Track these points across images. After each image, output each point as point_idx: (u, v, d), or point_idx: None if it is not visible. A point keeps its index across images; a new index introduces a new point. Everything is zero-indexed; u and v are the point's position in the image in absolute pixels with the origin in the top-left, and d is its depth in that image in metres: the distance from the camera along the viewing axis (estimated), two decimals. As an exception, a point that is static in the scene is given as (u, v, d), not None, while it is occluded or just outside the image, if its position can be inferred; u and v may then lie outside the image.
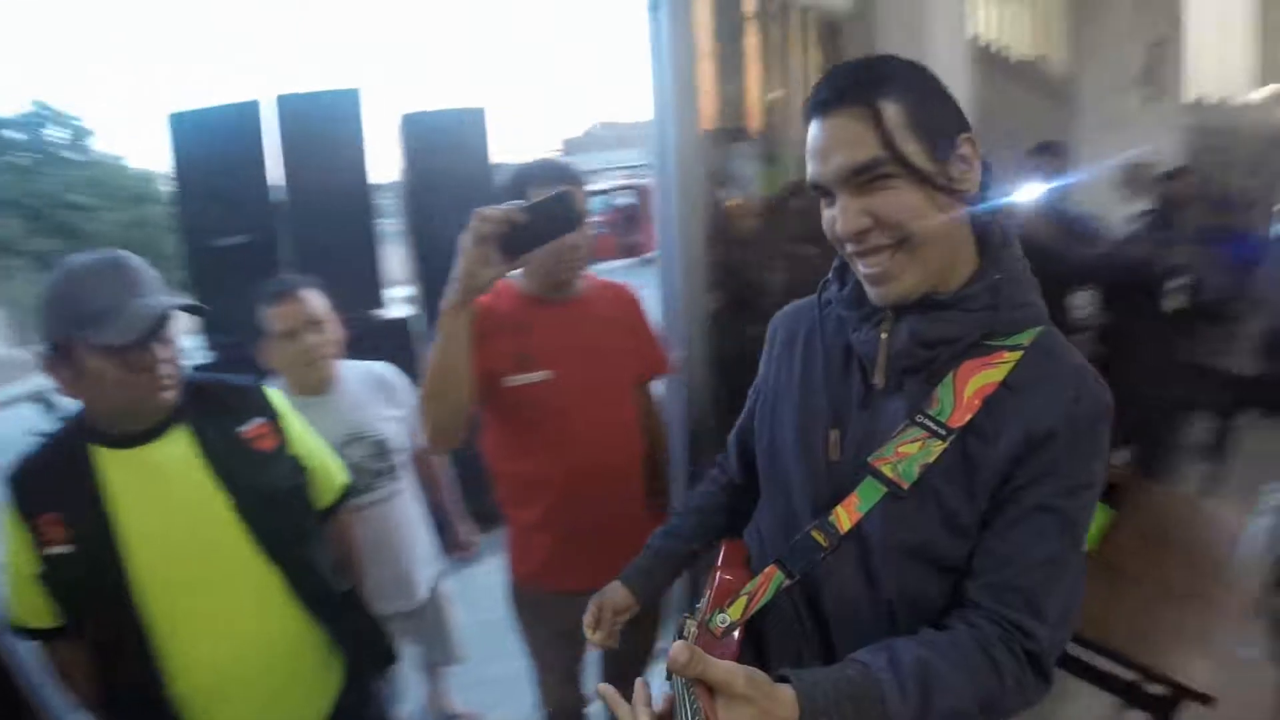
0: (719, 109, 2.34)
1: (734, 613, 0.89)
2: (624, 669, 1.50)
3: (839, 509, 0.85)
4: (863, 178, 0.79)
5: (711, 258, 2.05)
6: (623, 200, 14.23)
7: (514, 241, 1.21)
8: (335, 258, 3.06)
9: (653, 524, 1.60)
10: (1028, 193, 2.87)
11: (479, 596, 2.37)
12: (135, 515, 1.15)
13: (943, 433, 0.81)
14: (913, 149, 0.78)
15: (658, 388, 1.81)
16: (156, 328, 1.11)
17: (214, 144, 3.01)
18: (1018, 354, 0.82)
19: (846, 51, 2.60)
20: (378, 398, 1.86)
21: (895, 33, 2.57)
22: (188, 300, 1.18)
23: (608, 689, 0.82)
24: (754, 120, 2.65)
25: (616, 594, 1.22)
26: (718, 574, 1.01)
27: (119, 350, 1.09)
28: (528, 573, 1.65)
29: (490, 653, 2.27)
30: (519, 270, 1.51)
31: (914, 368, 0.86)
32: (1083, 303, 2.85)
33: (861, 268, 0.84)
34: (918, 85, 0.81)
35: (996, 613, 0.79)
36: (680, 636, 0.99)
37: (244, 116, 3.07)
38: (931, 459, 0.81)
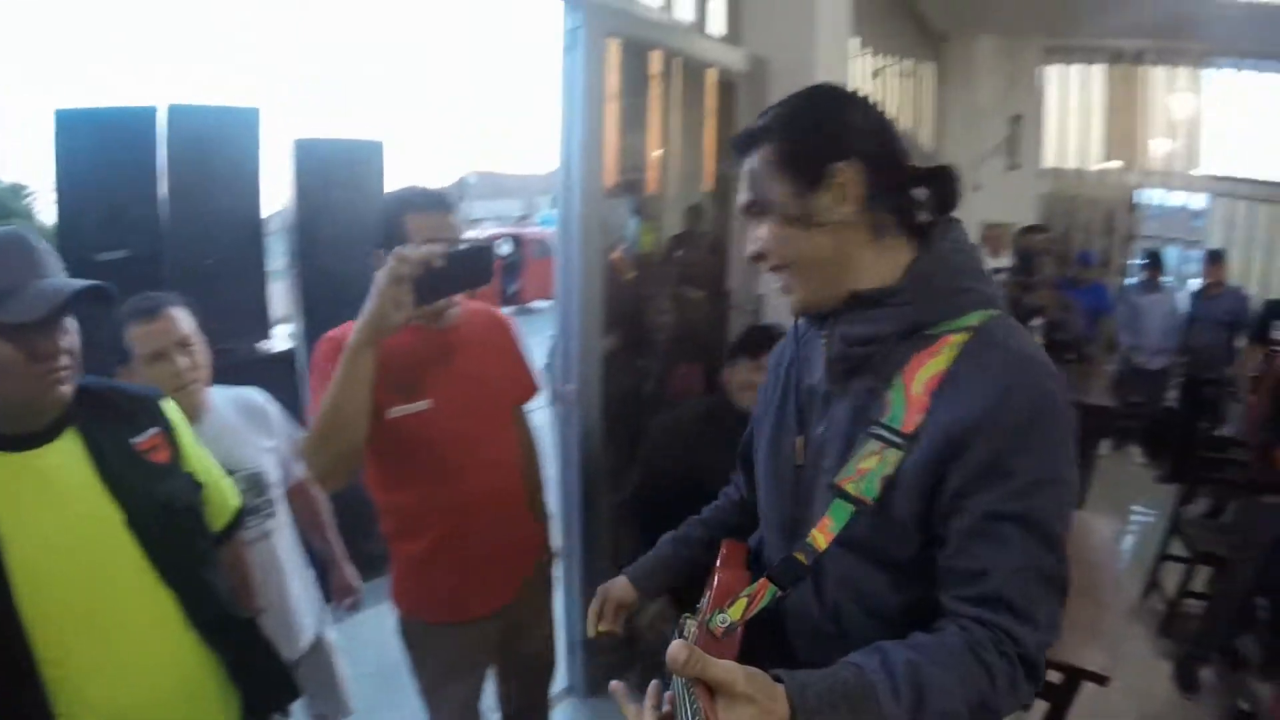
0: (619, 163, 2.45)
1: (734, 613, 0.88)
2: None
3: (815, 532, 0.86)
4: (750, 213, 0.92)
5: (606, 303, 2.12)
6: (503, 249, 14.15)
7: (429, 286, 1.21)
8: (221, 283, 2.83)
9: (537, 546, 1.73)
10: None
11: (365, 646, 2.31)
12: (20, 527, 1.02)
13: (899, 441, 0.82)
14: (779, 189, 0.88)
15: (537, 415, 1.83)
16: (60, 311, 1.02)
17: (103, 148, 2.69)
18: (963, 336, 0.83)
19: (740, 110, 2.76)
20: (251, 427, 1.73)
21: (785, 94, 2.74)
22: (97, 283, 1.06)
23: (618, 686, 0.82)
24: (651, 176, 2.79)
25: (621, 589, 1.28)
26: (717, 574, 1.02)
27: (18, 332, 0.99)
28: (418, 605, 1.61)
29: (381, 703, 2.21)
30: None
31: (851, 368, 0.90)
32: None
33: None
34: (795, 126, 0.89)
35: (982, 619, 0.78)
36: (680, 636, 0.97)
37: (138, 122, 2.78)
38: (890, 470, 0.82)
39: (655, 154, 2.78)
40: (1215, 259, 5.05)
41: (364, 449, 1.36)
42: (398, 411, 1.42)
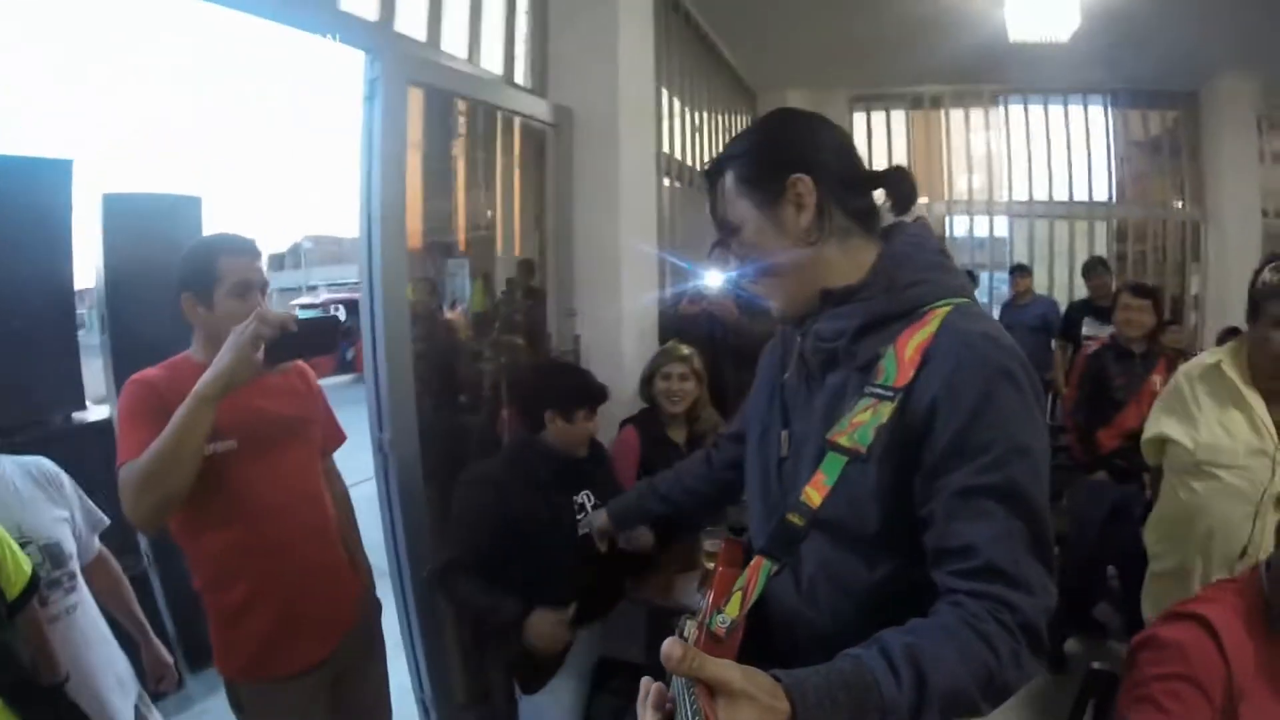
0: (430, 224, 2.48)
1: (731, 610, 0.89)
2: None
3: (808, 489, 0.88)
4: (724, 236, 1.01)
5: (424, 359, 2.12)
6: (339, 314, 13.63)
7: (281, 349, 1.28)
8: (31, 348, 2.58)
9: (356, 594, 1.73)
10: (714, 279, 3.38)
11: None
12: None
13: (890, 394, 0.86)
14: (744, 207, 0.97)
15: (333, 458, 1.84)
16: None
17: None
18: (946, 308, 0.89)
19: (549, 160, 2.87)
20: (44, 496, 1.64)
21: (592, 147, 2.89)
22: None
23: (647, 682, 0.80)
24: (463, 236, 2.84)
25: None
26: (717, 574, 1.01)
27: None
28: (243, 665, 1.56)
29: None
30: (199, 345, 1.53)
31: (825, 361, 0.95)
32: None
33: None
34: (750, 149, 0.99)
35: (976, 592, 0.79)
36: (680, 637, 0.94)
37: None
38: (884, 419, 0.85)
39: (486, 210, 2.85)
40: (1021, 271, 5.64)
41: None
42: (204, 451, 1.38)
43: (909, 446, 0.85)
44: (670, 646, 0.65)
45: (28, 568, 1.38)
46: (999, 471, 0.81)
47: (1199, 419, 1.92)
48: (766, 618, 0.96)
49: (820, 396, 0.95)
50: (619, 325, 2.89)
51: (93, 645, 1.66)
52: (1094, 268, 4.92)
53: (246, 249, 1.52)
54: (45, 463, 1.71)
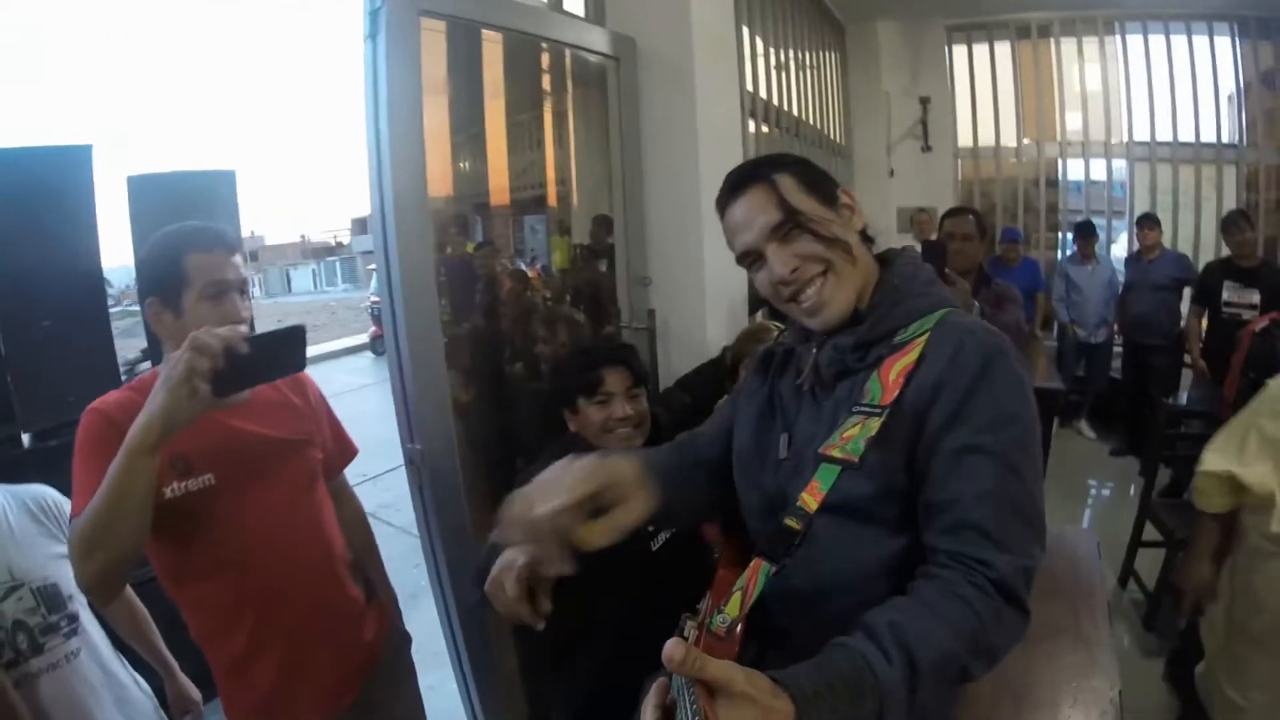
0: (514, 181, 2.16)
1: (731, 610, 0.92)
2: None
3: (804, 495, 0.94)
4: (780, 232, 0.99)
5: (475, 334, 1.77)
6: None
7: (230, 378, 1.06)
8: (63, 345, 2.45)
9: (374, 631, 1.57)
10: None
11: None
12: None
13: (878, 411, 0.93)
14: (808, 204, 1.00)
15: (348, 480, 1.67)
16: None
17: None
18: (924, 337, 0.95)
19: (613, 104, 2.43)
20: (39, 530, 1.51)
21: (662, 84, 2.44)
22: None
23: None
24: (550, 192, 2.55)
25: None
26: (718, 574, 1.03)
27: None
28: (250, 712, 1.40)
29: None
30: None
31: (841, 371, 1.00)
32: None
33: (798, 307, 1.02)
34: (797, 162, 1.04)
35: (952, 552, 0.84)
36: (680, 637, 0.88)
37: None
38: (873, 433, 0.91)
39: (542, 163, 2.49)
40: (1148, 222, 4.86)
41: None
42: (175, 490, 1.24)
43: (903, 443, 0.91)
44: (672, 648, 0.65)
45: None
46: (990, 434, 0.87)
47: None
48: (771, 612, 0.99)
49: (829, 404, 1.01)
50: (701, 296, 2.46)
51: (97, 691, 1.53)
52: (1235, 222, 4.11)
53: (219, 242, 1.31)
54: (47, 493, 1.58)
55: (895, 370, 0.94)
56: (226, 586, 1.33)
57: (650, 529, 1.61)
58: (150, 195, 2.84)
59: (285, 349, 1.13)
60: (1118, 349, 5.22)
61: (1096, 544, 2.14)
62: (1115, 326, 5.16)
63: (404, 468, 1.75)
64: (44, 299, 2.48)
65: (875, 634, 0.76)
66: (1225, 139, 6.35)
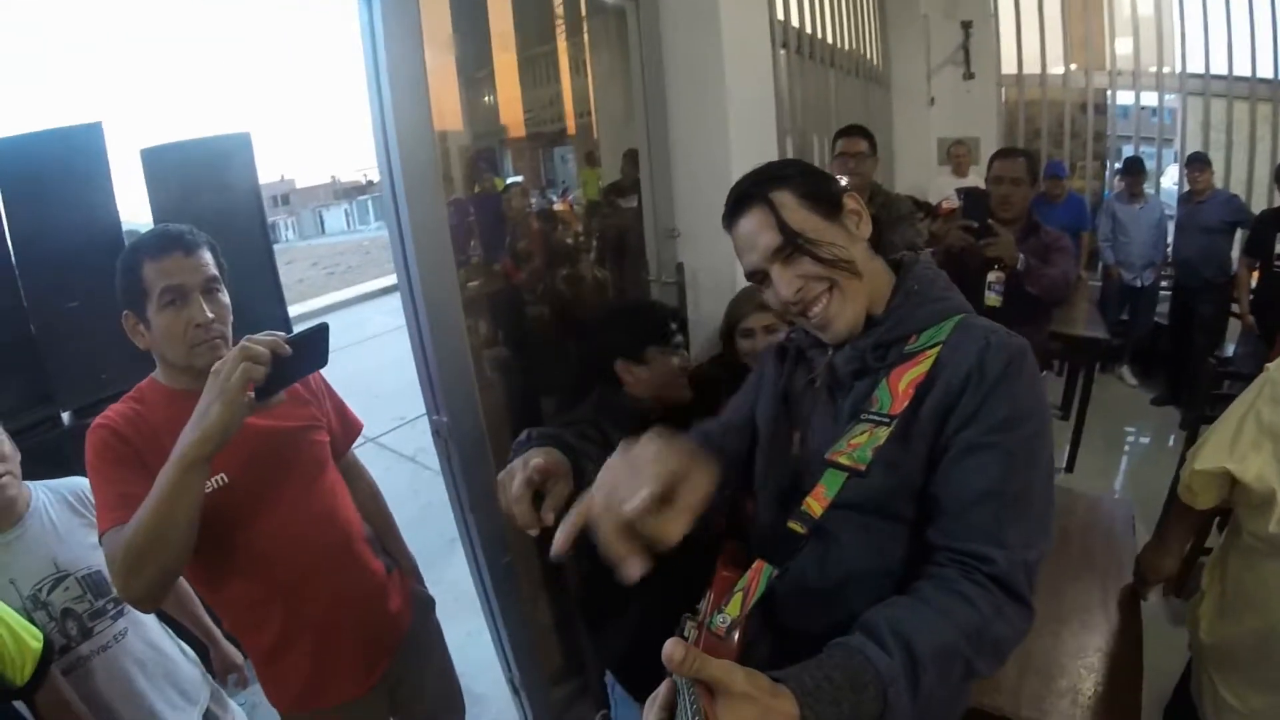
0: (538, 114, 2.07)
1: (732, 610, 0.92)
2: None
3: (809, 499, 0.93)
4: (783, 254, 0.98)
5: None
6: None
7: (272, 381, 1.08)
8: (89, 327, 2.40)
9: (400, 601, 1.59)
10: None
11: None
12: None
13: (886, 420, 0.92)
14: (809, 222, 0.98)
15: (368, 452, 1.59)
16: None
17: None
18: (937, 349, 0.95)
19: (634, 43, 2.29)
20: (80, 522, 1.57)
21: (685, 18, 2.28)
22: None
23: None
24: (570, 123, 2.45)
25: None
26: (718, 574, 1.03)
27: None
28: (293, 699, 1.45)
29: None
30: (160, 367, 1.34)
31: (857, 370, 1.00)
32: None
33: (808, 323, 1.03)
34: (798, 172, 1.02)
35: (951, 549, 0.85)
36: (681, 637, 0.91)
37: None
38: (880, 442, 0.91)
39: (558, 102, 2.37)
40: (1200, 162, 4.57)
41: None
42: None
43: (923, 444, 0.91)
44: (672, 647, 0.65)
45: (36, 643, 1.33)
46: (1002, 433, 0.88)
47: None
48: (784, 612, 1.00)
49: (845, 404, 1.00)
50: (731, 248, 2.33)
51: (146, 666, 1.60)
52: None
53: (174, 245, 1.25)
54: (80, 485, 1.61)
55: (905, 381, 0.94)
56: (251, 583, 1.34)
57: None
58: (166, 166, 2.80)
59: (313, 348, 1.15)
60: (1165, 293, 5.00)
61: (1133, 516, 2.09)
62: (1162, 269, 4.93)
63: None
64: (69, 280, 2.45)
65: (872, 629, 0.77)
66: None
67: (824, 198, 1.00)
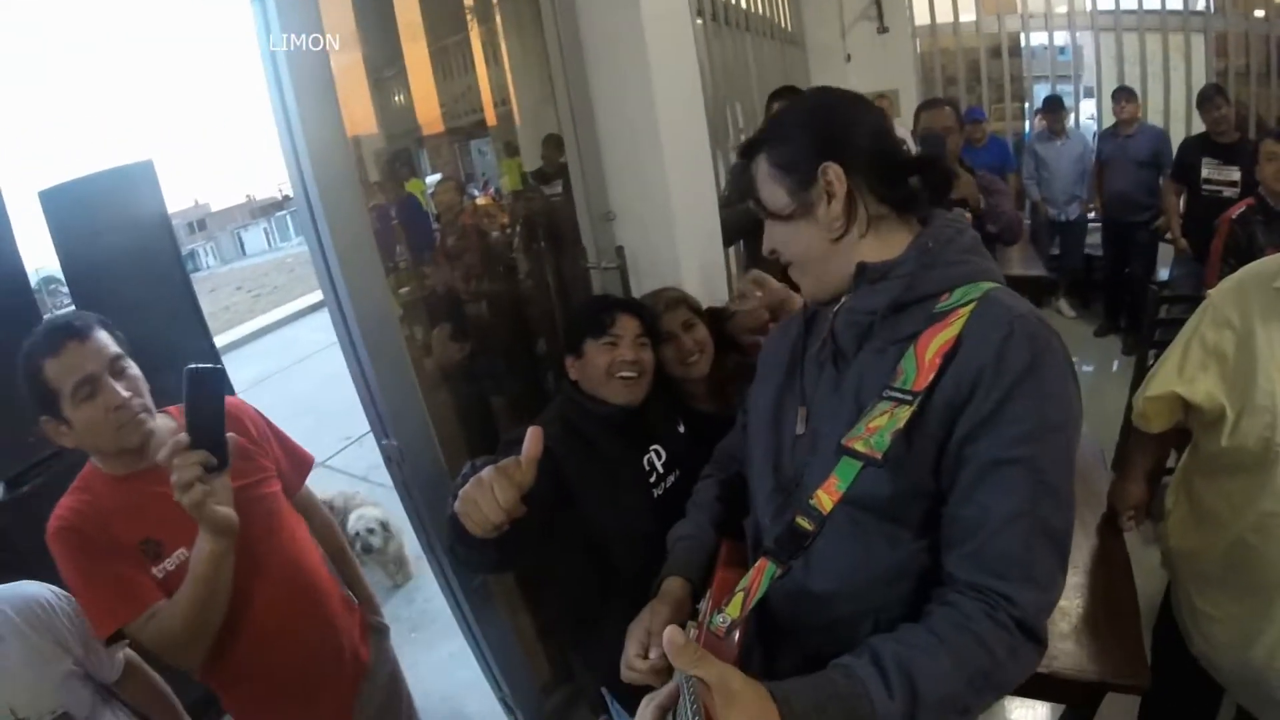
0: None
1: (732, 610, 0.89)
2: None
3: (819, 492, 0.86)
4: (763, 215, 0.97)
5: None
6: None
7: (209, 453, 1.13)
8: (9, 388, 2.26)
9: (359, 634, 1.60)
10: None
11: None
12: None
13: (909, 398, 0.83)
14: (776, 191, 0.94)
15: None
16: None
17: None
18: (970, 306, 0.84)
19: (549, 22, 2.19)
20: (38, 648, 1.23)
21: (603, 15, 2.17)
22: None
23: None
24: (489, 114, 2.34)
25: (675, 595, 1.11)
26: (717, 575, 1.02)
27: None
28: None
29: None
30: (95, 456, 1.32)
31: (859, 335, 0.91)
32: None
33: None
34: (785, 132, 0.95)
35: (976, 584, 0.79)
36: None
37: None
38: (900, 425, 0.82)
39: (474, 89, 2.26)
40: (1125, 95, 4.64)
41: None
42: (158, 574, 1.26)
43: (932, 440, 0.82)
44: (673, 633, 0.67)
45: None
46: (1029, 445, 0.79)
47: (1260, 372, 1.25)
48: (777, 614, 0.96)
49: (850, 378, 0.92)
50: (671, 228, 2.25)
51: None
52: (1210, 98, 3.93)
53: (66, 334, 1.22)
54: (31, 593, 1.28)
55: (933, 347, 0.84)
56: (222, 647, 1.32)
57: (653, 477, 1.61)
58: (67, 206, 2.67)
59: (209, 391, 1.12)
60: (1093, 225, 5.12)
61: (1101, 450, 2.13)
62: (1088, 202, 5.05)
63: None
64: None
65: (880, 662, 0.74)
66: (1193, 6, 6.04)
67: (796, 167, 0.93)
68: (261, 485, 1.42)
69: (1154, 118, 5.79)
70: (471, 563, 1.24)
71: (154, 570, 1.26)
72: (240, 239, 34.52)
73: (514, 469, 0.92)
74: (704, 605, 0.99)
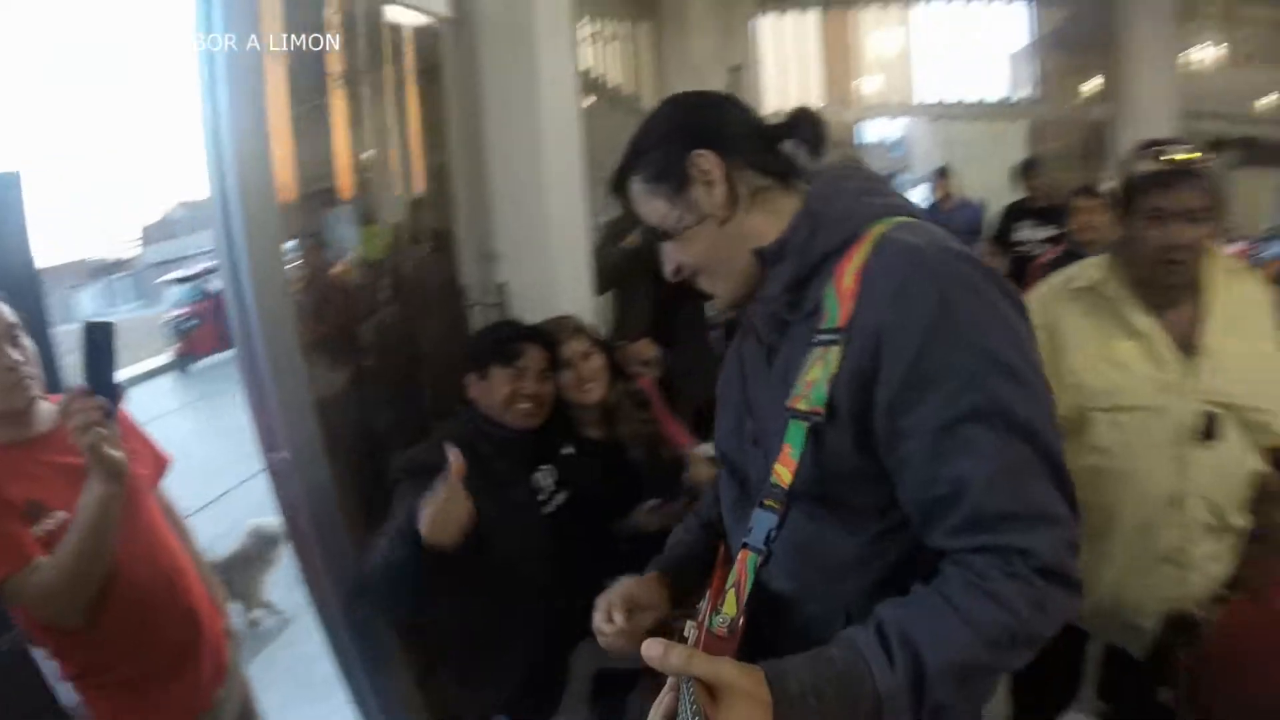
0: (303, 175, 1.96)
1: (729, 609, 0.86)
2: None
3: (777, 467, 0.81)
4: (660, 239, 0.93)
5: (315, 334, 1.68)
6: (217, 284, 12.69)
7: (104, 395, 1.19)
8: None
9: (219, 621, 1.59)
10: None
11: None
12: None
13: (836, 337, 0.78)
14: (658, 206, 0.90)
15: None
16: None
17: None
18: (881, 227, 0.81)
19: (450, 74, 2.29)
20: None
21: (502, 75, 2.34)
22: None
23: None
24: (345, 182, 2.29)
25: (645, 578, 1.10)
26: (715, 576, 0.99)
27: None
28: None
29: None
30: None
31: (774, 324, 0.89)
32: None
33: None
34: (643, 143, 0.93)
35: (979, 547, 0.71)
36: (682, 638, 0.94)
37: None
38: (834, 369, 0.77)
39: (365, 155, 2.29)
40: (942, 174, 5.32)
41: None
42: (38, 533, 1.26)
43: (868, 389, 0.76)
44: (650, 647, 0.65)
45: None
46: (974, 393, 0.71)
47: (1067, 356, 1.52)
48: (754, 609, 0.89)
49: (779, 363, 0.88)
50: (552, 266, 2.40)
51: None
52: (1032, 166, 4.59)
53: None
54: None
55: (849, 274, 0.79)
56: (94, 627, 1.31)
57: (541, 495, 1.68)
58: None
59: (103, 343, 1.19)
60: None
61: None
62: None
63: (255, 480, 1.60)
64: None
65: (884, 634, 0.70)
66: (1013, 97, 7.01)
67: (664, 172, 0.90)
68: (131, 461, 1.39)
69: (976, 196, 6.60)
70: (404, 584, 1.33)
71: (35, 530, 1.27)
72: (69, 303, 31.67)
73: (455, 482, 1.03)
74: (703, 606, 0.97)
